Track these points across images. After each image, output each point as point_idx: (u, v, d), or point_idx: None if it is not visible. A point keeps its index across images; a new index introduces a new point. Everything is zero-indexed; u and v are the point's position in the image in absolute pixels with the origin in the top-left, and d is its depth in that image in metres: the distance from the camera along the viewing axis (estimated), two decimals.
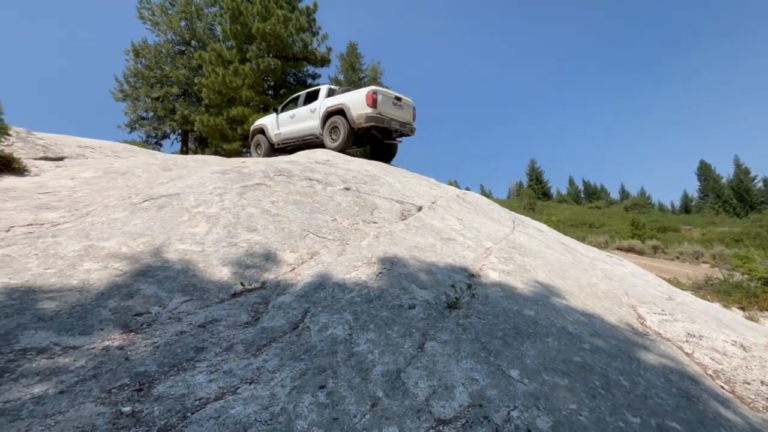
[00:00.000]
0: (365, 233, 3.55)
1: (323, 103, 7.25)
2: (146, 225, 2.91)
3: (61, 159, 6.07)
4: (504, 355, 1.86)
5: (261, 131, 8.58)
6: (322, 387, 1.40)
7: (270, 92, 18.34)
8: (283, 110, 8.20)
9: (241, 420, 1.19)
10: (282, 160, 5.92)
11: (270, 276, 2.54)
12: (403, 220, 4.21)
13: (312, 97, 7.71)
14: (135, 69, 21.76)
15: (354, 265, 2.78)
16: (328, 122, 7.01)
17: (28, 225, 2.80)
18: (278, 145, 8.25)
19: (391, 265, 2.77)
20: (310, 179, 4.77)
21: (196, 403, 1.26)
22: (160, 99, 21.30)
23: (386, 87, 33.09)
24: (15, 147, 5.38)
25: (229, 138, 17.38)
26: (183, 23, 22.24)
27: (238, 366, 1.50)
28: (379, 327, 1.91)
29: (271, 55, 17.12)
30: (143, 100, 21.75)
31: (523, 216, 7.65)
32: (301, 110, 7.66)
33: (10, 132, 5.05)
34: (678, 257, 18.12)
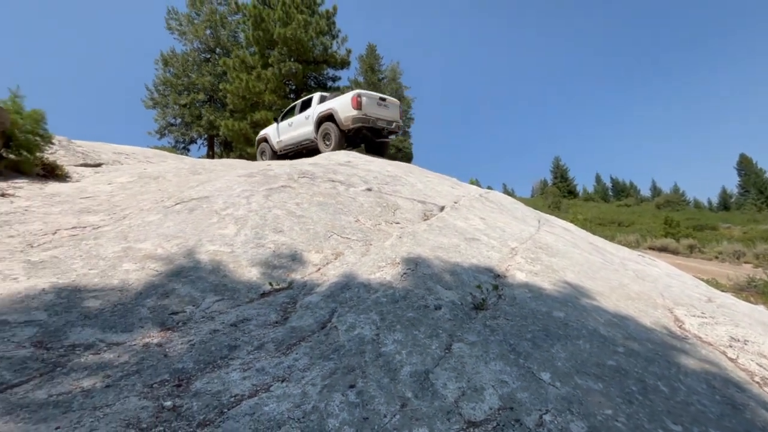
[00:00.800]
0: (388, 234, 3.56)
1: (315, 110, 7.69)
2: (179, 227, 3.03)
3: (98, 165, 6.41)
4: (534, 358, 1.82)
5: (265, 140, 9.19)
6: (351, 386, 1.42)
7: (291, 96, 18.68)
8: (282, 119, 8.71)
9: (275, 417, 1.22)
10: (305, 163, 6.02)
11: (297, 276, 2.59)
12: (425, 220, 4.19)
13: (306, 104, 8.19)
14: (164, 77, 22.70)
15: (378, 266, 2.79)
16: (321, 128, 7.44)
17: (72, 228, 2.98)
18: (280, 151, 8.74)
19: (415, 265, 2.77)
20: (333, 181, 4.83)
21: (232, 399, 1.30)
22: (188, 105, 22.12)
23: (404, 86, 32.93)
24: (58, 155, 5.73)
25: (253, 142, 17.82)
26: (208, 32, 23.02)
27: (269, 364, 1.54)
28: (406, 327, 1.91)
29: (292, 60, 17.45)
30: (172, 107, 22.66)
31: (548, 215, 7.46)
32: (298, 118, 8.15)
33: (53, 141, 5.38)
34: (716, 257, 17.15)
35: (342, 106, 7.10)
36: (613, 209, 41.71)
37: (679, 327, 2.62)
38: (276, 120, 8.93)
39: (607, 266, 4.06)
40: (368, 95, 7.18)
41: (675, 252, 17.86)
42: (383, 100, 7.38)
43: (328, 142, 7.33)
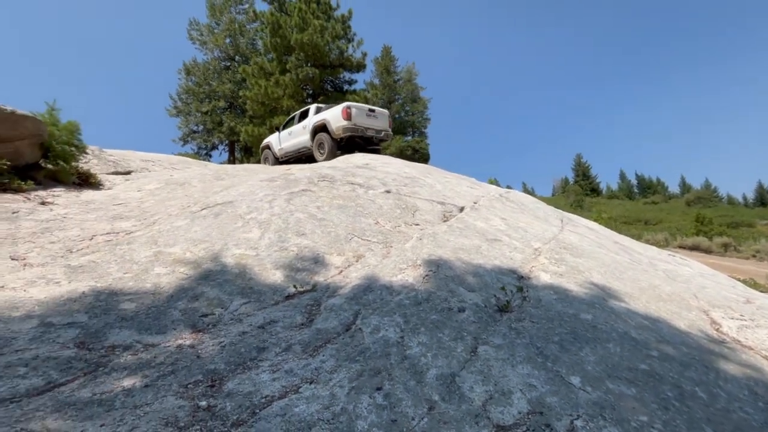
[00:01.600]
0: (408, 235, 3.56)
1: (311, 120, 8.26)
2: (205, 232, 3.13)
3: (128, 173, 6.69)
4: (562, 361, 1.78)
5: (268, 147, 9.97)
6: (378, 389, 1.43)
7: (309, 100, 18.96)
8: (284, 128, 9.41)
9: (305, 418, 1.24)
10: (324, 166, 6.10)
11: (320, 279, 2.63)
12: (445, 221, 4.17)
13: (304, 115, 8.83)
14: (186, 86, 23.48)
15: (399, 268, 2.80)
16: (316, 137, 8.06)
17: (107, 234, 3.12)
18: (281, 158, 9.38)
19: (436, 267, 2.76)
20: (352, 183, 4.87)
21: (263, 400, 1.34)
22: (209, 113, 22.79)
23: (420, 87, 32.82)
24: (91, 164, 6.01)
25: None
26: (228, 40, 23.67)
27: (297, 366, 1.57)
28: (430, 330, 1.91)
29: (309, 65, 17.72)
30: (194, 114, 23.40)
31: (571, 214, 7.27)
32: (296, 127, 8.80)
33: (87, 151, 5.65)
34: (754, 256, 16.27)
35: (334, 117, 7.66)
36: (639, 207, 40.22)
37: (716, 330, 2.51)
38: (277, 129, 9.65)
39: (635, 266, 3.93)
40: (357, 107, 7.78)
41: (708, 251, 17.05)
42: (372, 111, 8.00)
43: (321, 151, 7.85)
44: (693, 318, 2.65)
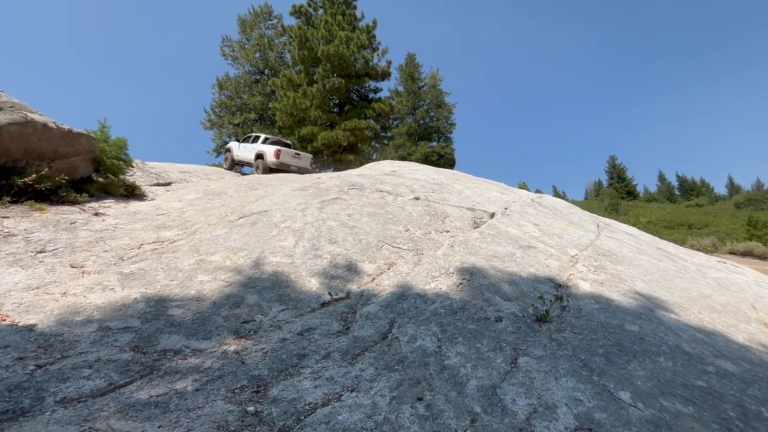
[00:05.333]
0: (439, 243, 3.54)
1: (256, 147, 11.54)
2: (243, 240, 3.25)
3: (169, 184, 7.08)
4: (609, 375, 1.70)
5: (229, 150, 13.12)
6: (419, 399, 1.43)
7: (335, 110, 19.35)
8: (243, 141, 12.69)
9: (349, 427, 1.26)
10: (352, 174, 6.19)
11: (353, 286, 2.66)
12: (476, 228, 4.11)
13: (256, 139, 12.10)
14: (219, 100, 24.60)
15: (432, 276, 2.78)
16: (256, 160, 11.40)
17: (153, 242, 3.31)
18: (236, 161, 12.65)
19: (470, 275, 2.72)
20: (381, 191, 4.91)
21: (307, 407, 1.37)
22: (240, 125, 23.73)
23: (445, 92, 32.66)
24: (136, 176, 6.41)
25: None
26: (258, 55, 24.66)
27: (338, 374, 1.60)
28: (468, 340, 1.89)
29: (335, 75, 18.11)
30: (226, 126, 24.44)
31: (607, 219, 6.96)
32: (249, 146, 12.04)
33: (133, 164, 6.04)
34: None
35: (269, 153, 10.83)
36: (682, 210, 37.85)
37: None
38: (238, 140, 13.13)
39: (682, 274, 3.70)
40: (286, 151, 11.03)
41: (763, 257, 15.73)
42: (298, 154, 11.44)
43: (258, 171, 11.14)
44: (753, 331, 2.46)
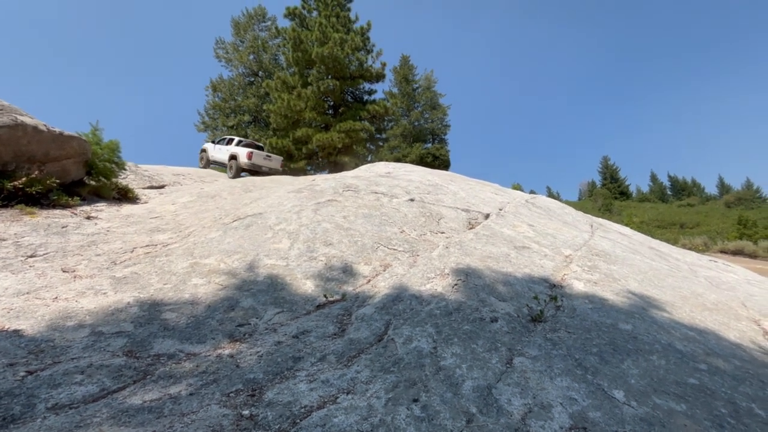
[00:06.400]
0: (434, 244, 3.55)
1: (229, 149, 12.22)
2: (237, 243, 3.23)
3: (162, 186, 7.03)
4: (603, 374, 1.72)
5: (205, 150, 13.88)
6: (415, 400, 1.43)
7: (330, 111, 19.33)
8: (218, 143, 13.42)
9: (345, 429, 1.26)
10: (347, 176, 6.19)
11: (349, 288, 2.66)
12: (471, 229, 4.13)
13: (230, 141, 12.81)
14: (213, 102, 24.46)
15: (427, 277, 2.79)
16: (230, 161, 11.99)
17: (146, 246, 3.28)
18: (211, 161, 13.39)
19: (465, 276, 2.73)
20: (376, 192, 4.91)
21: (302, 410, 1.36)
22: (234, 127, 23.61)
23: (439, 94, 32.85)
24: (129, 179, 6.35)
25: (295, 157, 18.62)
26: (251, 57, 24.57)
27: (333, 376, 1.59)
28: (463, 341, 1.89)
29: (329, 77, 18.10)
30: (220, 129, 24.29)
31: (600, 219, 7.03)
32: (223, 147, 12.76)
33: (126, 167, 5.98)
34: None
35: (241, 155, 11.44)
36: (674, 210, 38.31)
37: None
38: (214, 141, 13.79)
39: (675, 273, 3.74)
40: (257, 153, 11.69)
41: (753, 255, 15.98)
42: (269, 156, 12.11)
43: (231, 171, 11.68)
44: (743, 328, 2.49)
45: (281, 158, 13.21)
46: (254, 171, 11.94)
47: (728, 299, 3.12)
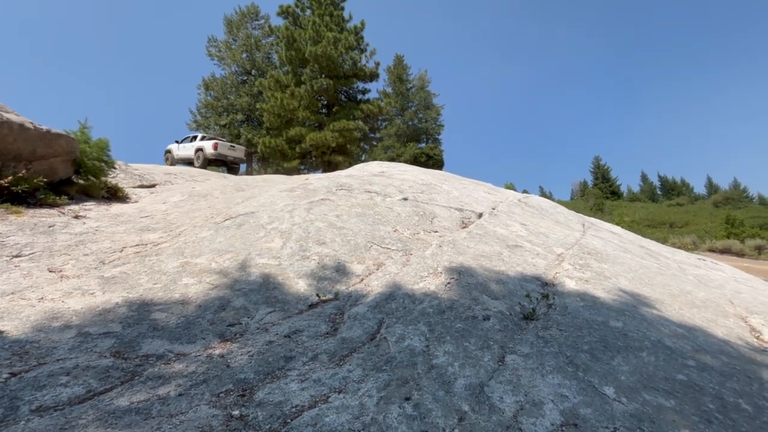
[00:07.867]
0: (427, 243, 3.55)
1: (194, 144, 13.65)
2: (229, 242, 3.20)
3: (153, 186, 6.93)
4: (594, 371, 1.73)
5: (169, 151, 15.15)
6: (407, 399, 1.42)
7: (323, 111, 19.27)
8: (181, 142, 14.66)
9: (336, 428, 1.25)
10: (341, 175, 6.16)
11: (342, 287, 2.64)
12: (464, 228, 4.14)
13: (194, 138, 14.11)
14: (205, 101, 24.24)
15: (420, 276, 2.79)
16: (196, 153, 13.48)
17: (136, 245, 3.23)
18: (176, 160, 14.46)
19: (458, 274, 2.73)
20: (369, 191, 4.90)
21: (293, 410, 1.35)
22: (227, 125, 23.43)
23: (433, 94, 32.94)
24: (118, 178, 6.26)
25: (289, 157, 18.53)
26: (244, 55, 24.38)
27: (325, 375, 1.58)
28: (456, 339, 1.89)
29: (323, 76, 18.04)
30: (213, 128, 24.09)
31: (592, 218, 7.10)
32: (188, 144, 14.07)
33: (115, 166, 5.89)
34: None
35: (207, 146, 12.88)
36: (664, 209, 38.88)
37: (757, 338, 2.39)
38: (177, 141, 15.03)
39: (664, 271, 3.79)
40: (222, 143, 13.17)
41: (740, 254, 16.28)
42: (233, 146, 13.69)
43: (198, 162, 13.08)
44: (731, 325, 2.53)
45: (245, 148, 15.08)
46: (220, 160, 13.37)
47: (716, 297, 3.17)
